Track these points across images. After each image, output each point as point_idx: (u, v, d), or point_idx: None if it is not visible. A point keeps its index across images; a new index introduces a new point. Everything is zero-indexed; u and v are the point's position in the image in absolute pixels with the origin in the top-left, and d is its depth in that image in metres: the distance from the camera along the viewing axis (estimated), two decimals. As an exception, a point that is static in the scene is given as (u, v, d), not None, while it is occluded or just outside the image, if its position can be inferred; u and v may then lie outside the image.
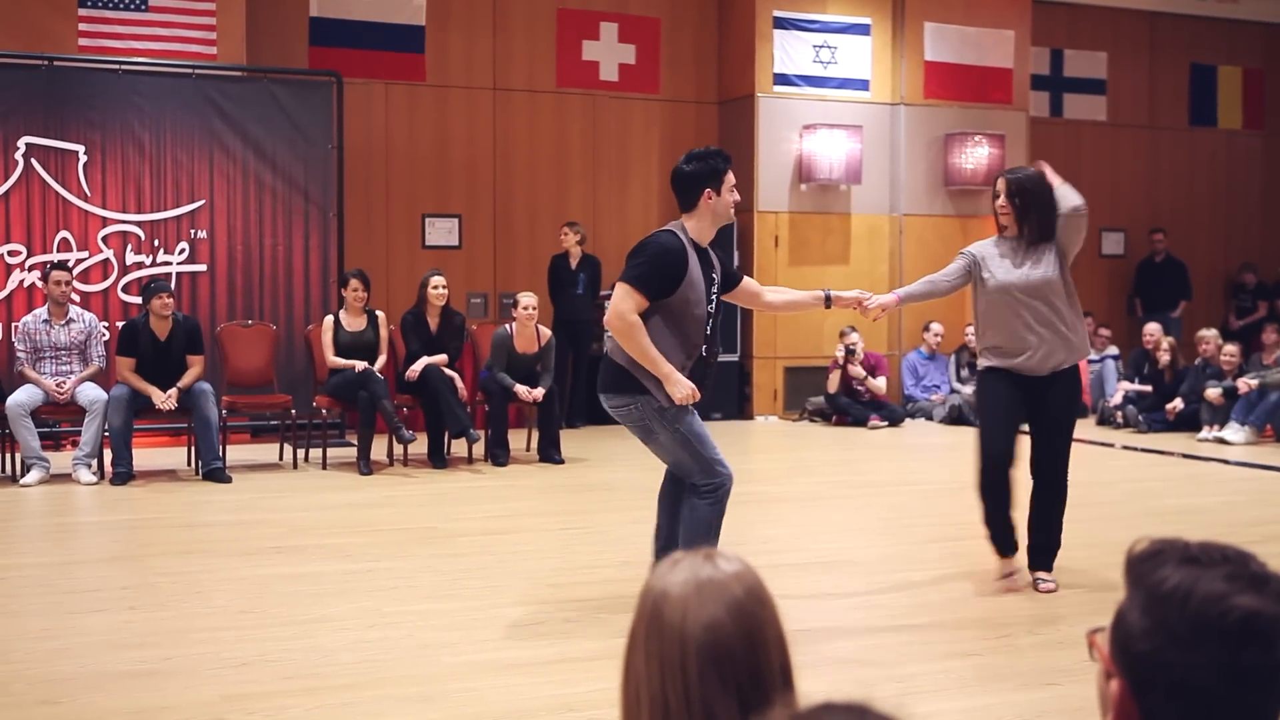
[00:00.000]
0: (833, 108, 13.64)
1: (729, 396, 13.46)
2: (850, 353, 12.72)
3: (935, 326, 13.60)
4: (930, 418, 13.23)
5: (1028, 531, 6.01)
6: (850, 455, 10.99)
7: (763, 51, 13.47)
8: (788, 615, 1.71)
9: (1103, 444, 11.37)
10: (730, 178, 5.41)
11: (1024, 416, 5.99)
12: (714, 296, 5.33)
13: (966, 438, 12.05)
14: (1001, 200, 6.10)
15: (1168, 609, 1.41)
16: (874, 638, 5.13)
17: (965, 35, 14.11)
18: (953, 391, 13.42)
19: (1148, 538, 1.52)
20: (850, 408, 12.77)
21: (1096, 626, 1.55)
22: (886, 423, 12.68)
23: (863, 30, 13.81)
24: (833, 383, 12.90)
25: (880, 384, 12.78)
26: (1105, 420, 12.76)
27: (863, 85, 13.85)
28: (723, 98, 14.03)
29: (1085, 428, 12.44)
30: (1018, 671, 4.65)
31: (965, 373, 13.60)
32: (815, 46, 13.64)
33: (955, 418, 12.93)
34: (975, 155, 13.92)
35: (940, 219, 14.12)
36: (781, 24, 13.52)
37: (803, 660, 1.71)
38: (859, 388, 12.82)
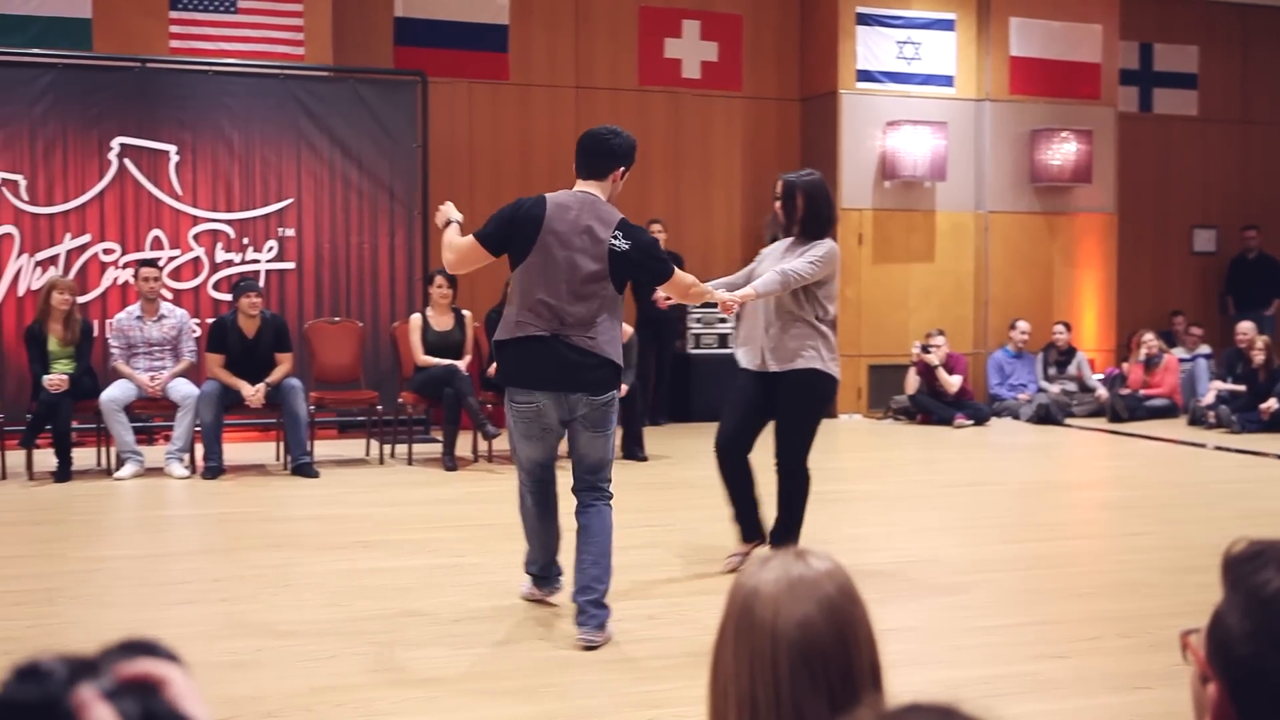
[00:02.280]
0: (917, 104, 13.53)
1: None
2: (925, 350, 12.61)
3: (1022, 324, 13.45)
4: (1017, 416, 13.08)
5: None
6: (935, 454, 10.90)
7: (845, 48, 13.39)
8: (873, 615, 1.71)
9: (1194, 444, 11.17)
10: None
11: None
12: None
13: (1054, 437, 11.97)
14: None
15: (1271, 613, 1.39)
16: (959, 638, 5.09)
17: (1052, 30, 13.94)
18: (1039, 390, 13.26)
19: (1246, 539, 1.49)
20: (935, 407, 12.66)
21: (1190, 628, 1.53)
22: (972, 422, 12.56)
23: (947, 26, 13.68)
24: (910, 383, 12.80)
25: (954, 381, 12.63)
26: (1197, 420, 12.54)
27: (947, 81, 13.72)
28: (805, 95, 13.97)
29: (1176, 428, 12.25)
30: (1108, 674, 4.59)
31: (1053, 371, 13.45)
32: (899, 43, 13.54)
33: (1042, 416, 12.77)
34: (1063, 151, 13.75)
35: (1026, 216, 13.96)
36: (864, 20, 13.44)
37: (888, 660, 1.71)
38: (941, 388, 12.70)
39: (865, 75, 13.45)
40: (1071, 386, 13.39)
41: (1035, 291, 13.98)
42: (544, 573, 5.47)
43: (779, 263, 6.10)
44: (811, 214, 6.13)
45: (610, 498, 5.24)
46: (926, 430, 12.38)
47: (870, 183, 13.47)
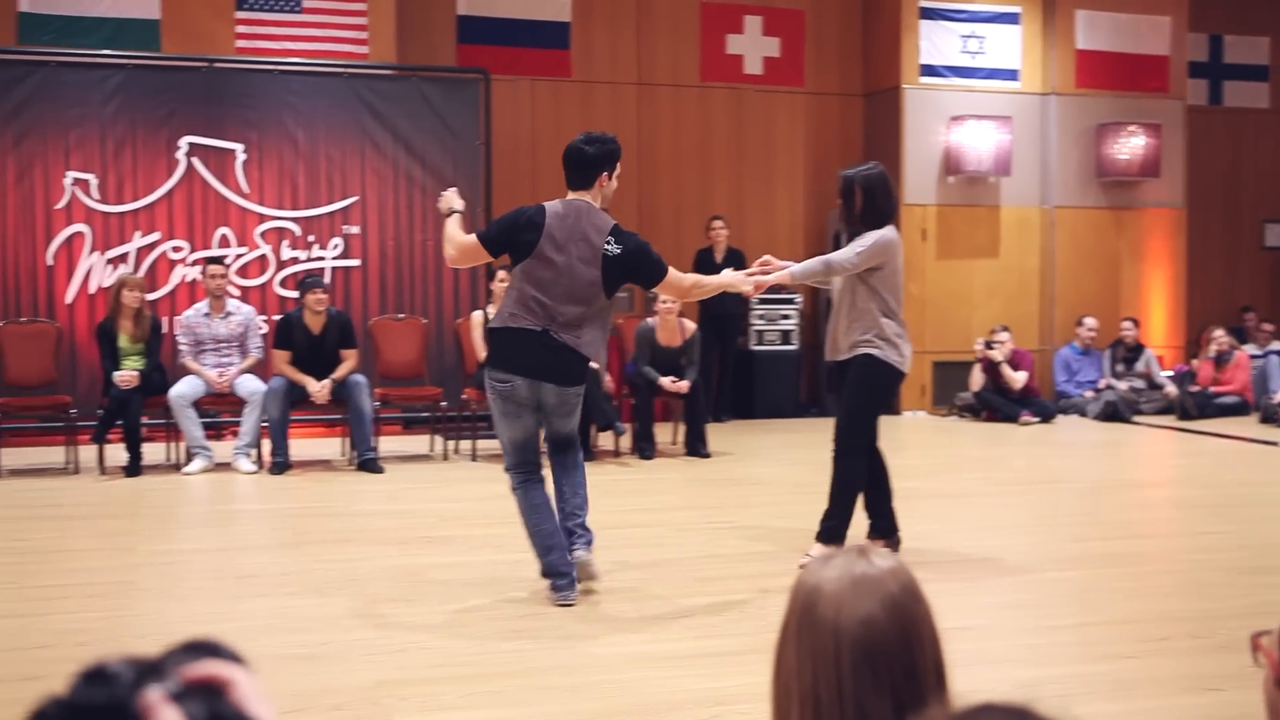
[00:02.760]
0: (981, 99, 13.43)
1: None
2: (989, 346, 12.50)
3: (1089, 321, 13.31)
4: (1083, 414, 12.94)
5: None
6: (1000, 452, 10.82)
7: (909, 42, 13.31)
8: (937, 613, 1.70)
9: (1266, 442, 11.00)
10: (619, 167, 5.81)
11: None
12: None
13: (1121, 435, 11.83)
14: None
15: None
16: (1025, 637, 5.05)
17: (1119, 22, 13.78)
18: (1107, 387, 13.11)
19: None
20: (1000, 404, 12.55)
21: (1261, 630, 1.51)
22: (1037, 419, 12.44)
23: (1012, 19, 13.56)
24: (975, 379, 12.70)
25: (1019, 377, 12.51)
26: (1268, 418, 12.34)
27: (1012, 75, 13.60)
28: (868, 90, 13.90)
29: (1247, 426, 12.07)
30: (1177, 675, 4.53)
31: (1120, 368, 13.29)
32: (963, 37, 13.44)
33: (1110, 414, 12.63)
34: (1130, 145, 13.59)
35: (1093, 211, 13.81)
36: (928, 14, 13.35)
37: (954, 658, 1.70)
38: (1006, 385, 12.59)
39: (929, 70, 13.36)
40: (1139, 383, 13.24)
41: (1102, 287, 13.84)
42: (557, 570, 5.44)
43: None
44: (869, 207, 6.14)
45: (579, 447, 5.76)
46: (991, 427, 12.28)
47: (934, 178, 13.38)
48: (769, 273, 6.06)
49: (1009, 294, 13.64)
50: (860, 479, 6.23)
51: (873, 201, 6.14)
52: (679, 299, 5.93)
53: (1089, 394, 13.08)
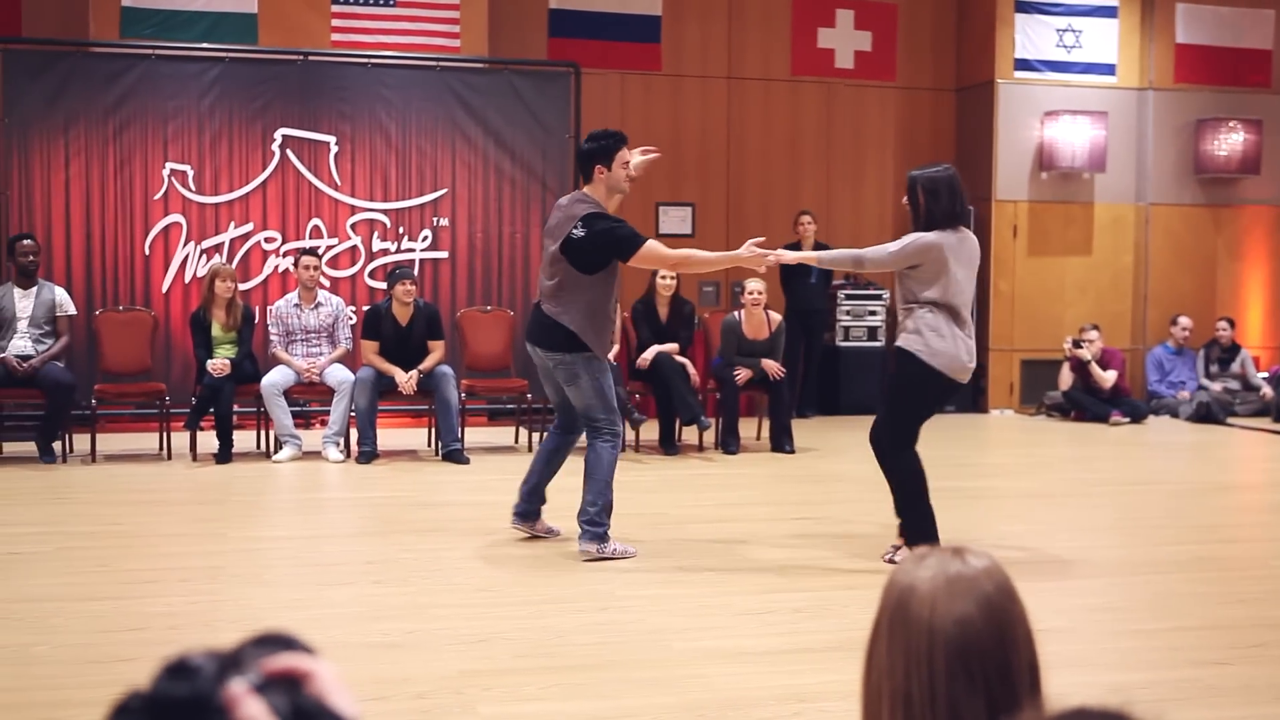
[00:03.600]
0: (1076, 93, 13.23)
1: (962, 389, 13.17)
2: (1077, 345, 12.29)
3: (1183, 320, 13.07)
4: (1176, 415, 12.71)
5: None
6: (1089, 452, 10.65)
7: (1003, 36, 13.14)
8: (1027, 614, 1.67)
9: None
10: (624, 154, 6.39)
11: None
12: None
13: (1215, 436, 11.60)
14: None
15: None
16: (1115, 641, 4.97)
17: (1220, 16, 13.50)
18: (1200, 388, 12.87)
19: None
20: (1089, 403, 12.35)
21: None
22: (1128, 419, 12.23)
23: (1109, 13, 13.34)
24: (1064, 378, 12.52)
25: (1109, 377, 12.30)
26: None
27: (1109, 70, 13.38)
28: (961, 84, 13.75)
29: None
30: (1273, 683, 4.43)
31: (1215, 368, 13.04)
32: (1059, 30, 13.25)
33: (1203, 415, 12.39)
34: (1229, 142, 13.32)
35: (1190, 209, 13.56)
36: (1023, 8, 13.17)
37: (1044, 661, 1.67)
38: (1096, 385, 12.39)
39: (1023, 64, 13.19)
40: (1234, 385, 12.97)
41: (1198, 286, 13.58)
42: (522, 508, 6.65)
43: None
44: (930, 209, 6.06)
45: (607, 436, 6.28)
46: (1080, 427, 12.10)
47: (1026, 174, 13.21)
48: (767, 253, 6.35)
49: (1101, 292, 13.44)
50: (915, 471, 6.13)
51: (935, 203, 6.06)
52: (684, 272, 6.32)
53: (1182, 395, 12.84)
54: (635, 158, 6.46)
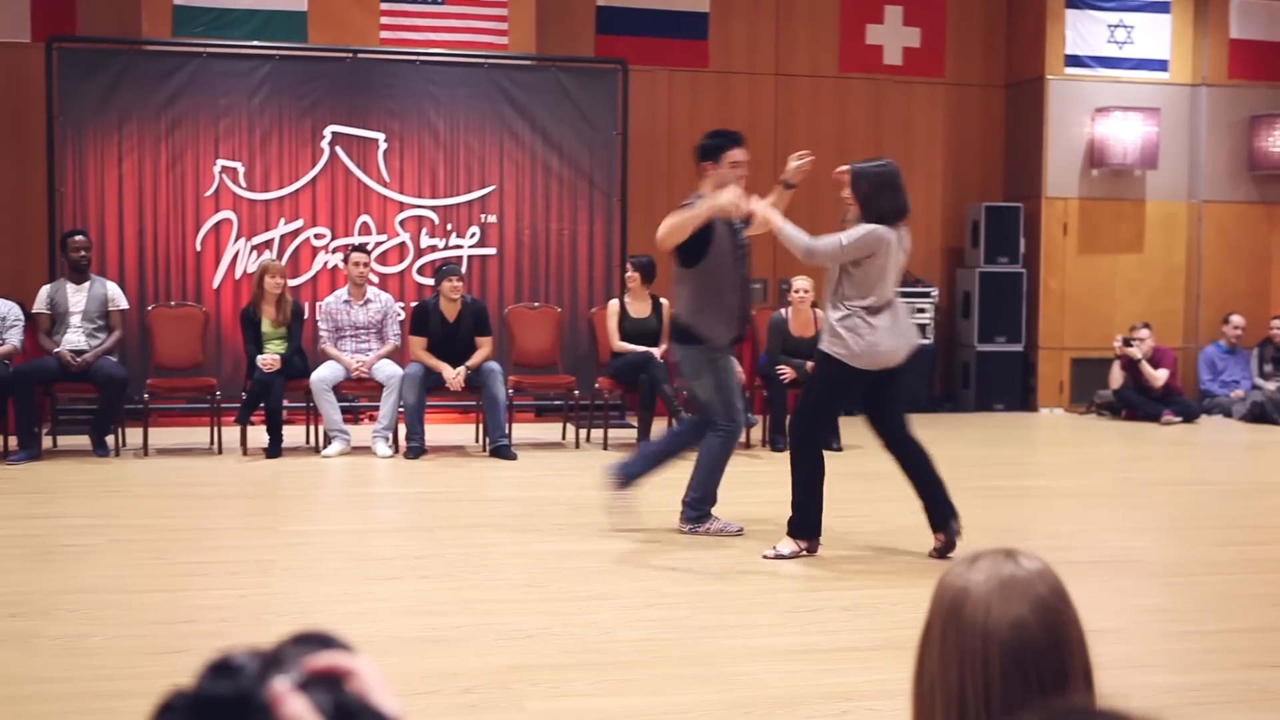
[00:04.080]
0: (1128, 89, 13.11)
1: (1012, 387, 13.13)
2: (1127, 344, 12.18)
3: (1236, 318, 12.93)
4: (1229, 414, 12.57)
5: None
6: (1140, 451, 10.56)
7: (1054, 32, 13.04)
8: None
9: None
10: (734, 154, 6.56)
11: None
12: (742, 244, 6.59)
13: (1269, 436, 11.47)
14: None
15: None
16: (1167, 642, 4.92)
17: (1275, 10, 13.34)
18: (1254, 387, 12.72)
19: None
20: (1140, 402, 12.24)
21: None
22: (1180, 419, 12.10)
23: (1162, 8, 13.21)
24: (1115, 377, 12.40)
25: (1160, 375, 12.18)
26: None
27: (1161, 66, 13.25)
28: (1010, 81, 13.65)
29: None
30: (1326, 686, 4.38)
31: (1269, 368, 12.88)
32: (1110, 26, 13.13)
33: (1257, 415, 12.25)
34: (1284, 138, 13.15)
35: (1244, 206, 13.41)
36: (1075, 3, 13.06)
37: (1096, 662, 1.66)
38: (1147, 384, 12.27)
39: (1074, 60, 13.08)
40: (1289, 384, 12.82)
41: (1251, 284, 13.43)
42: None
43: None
44: (877, 203, 6.12)
45: (721, 431, 6.57)
46: (1131, 426, 11.99)
47: (1077, 171, 13.10)
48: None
49: (1152, 290, 13.31)
50: (818, 465, 6.21)
51: (880, 197, 6.11)
52: (660, 247, 6.46)
53: (1235, 394, 12.70)
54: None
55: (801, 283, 10.05)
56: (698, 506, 6.63)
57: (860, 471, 9.17)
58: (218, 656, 0.90)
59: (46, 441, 9.54)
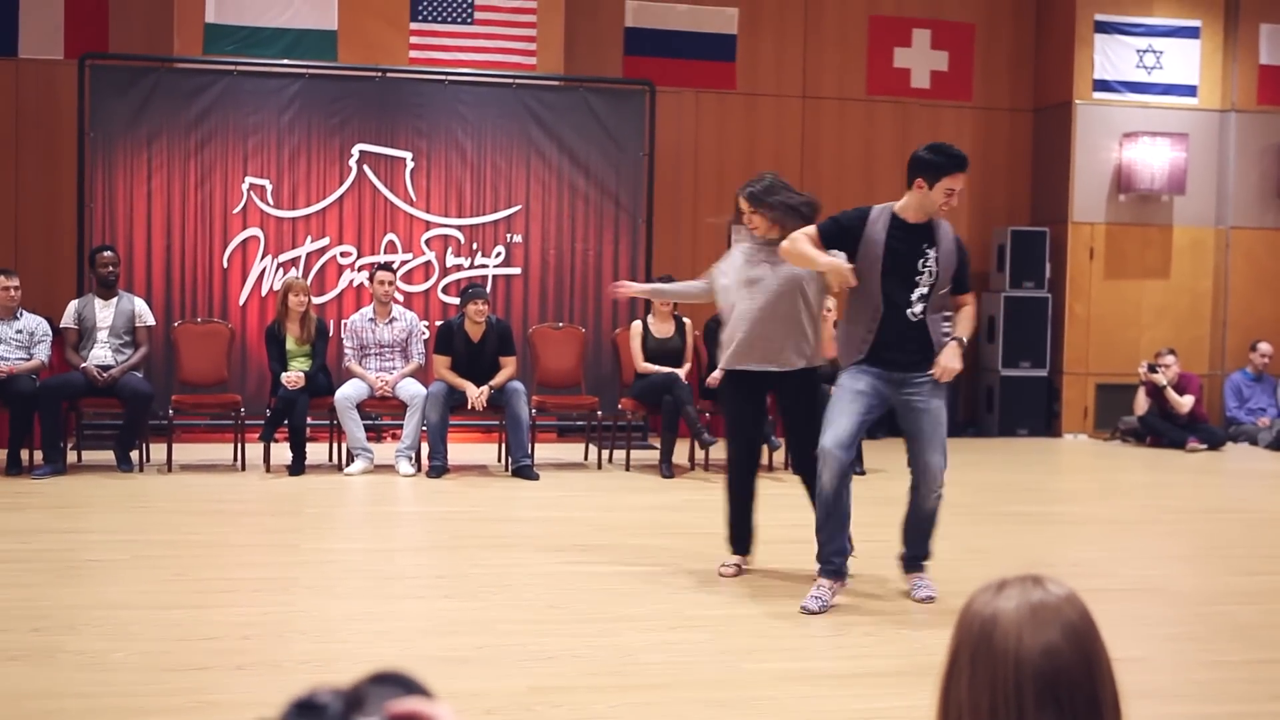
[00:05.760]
0: (1156, 115, 13.07)
1: (1036, 412, 13.06)
2: (1152, 370, 12.12)
3: (1263, 346, 12.85)
4: (1254, 442, 12.49)
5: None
6: (1165, 478, 10.49)
7: (1082, 56, 13.02)
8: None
9: None
10: (951, 182, 5.67)
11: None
12: (923, 270, 5.71)
13: (1296, 465, 11.38)
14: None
15: None
16: (1193, 672, 4.88)
17: (1305, 37, 13.29)
18: (1281, 415, 12.64)
19: None
20: (1165, 429, 12.17)
21: None
22: (1205, 446, 12.03)
23: (1191, 33, 13.17)
24: (1140, 403, 12.33)
25: (1185, 402, 12.11)
26: None
27: (1190, 91, 13.22)
28: (1038, 105, 13.63)
29: None
30: (1354, 719, 4.34)
31: (1296, 396, 12.79)
32: (1139, 51, 13.10)
33: (1283, 443, 12.16)
34: (1313, 165, 13.09)
35: (1272, 233, 13.35)
36: (1103, 28, 13.04)
37: (1123, 691, 1.65)
38: (1172, 410, 12.19)
39: (1102, 85, 13.05)
40: (1317, 412, 12.73)
41: (1278, 312, 13.35)
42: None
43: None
44: (784, 223, 6.12)
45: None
46: (1156, 453, 11.92)
47: (1104, 196, 13.06)
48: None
49: (1179, 316, 13.25)
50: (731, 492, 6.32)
51: (788, 215, 6.14)
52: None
53: (1262, 422, 12.61)
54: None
55: (826, 302, 10.02)
56: (837, 557, 5.77)
57: (882, 495, 9.12)
58: (303, 694, 0.90)
59: (71, 456, 9.57)
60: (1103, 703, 1.57)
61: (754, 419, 6.41)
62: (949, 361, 5.76)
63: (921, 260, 5.68)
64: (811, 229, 5.74)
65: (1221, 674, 4.85)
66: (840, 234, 5.69)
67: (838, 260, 5.59)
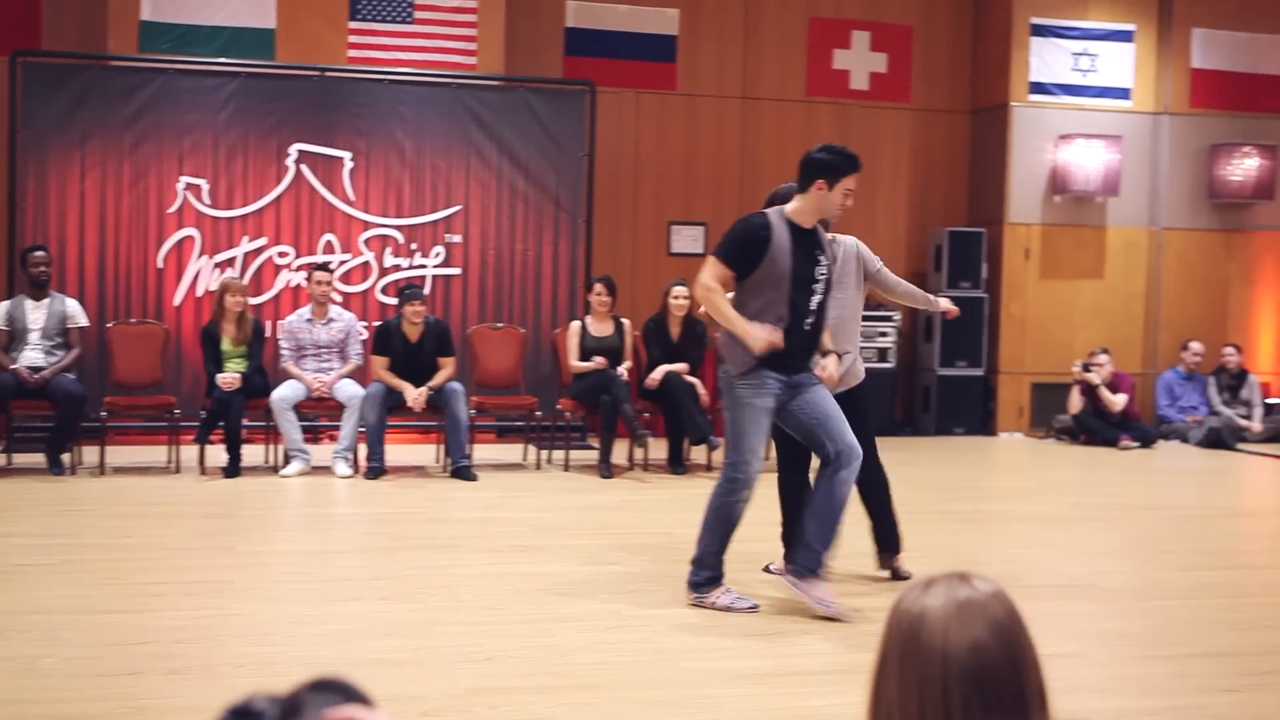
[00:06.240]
0: (1091, 117, 13.23)
1: (972, 411, 13.18)
2: (1086, 369, 12.28)
3: (1194, 345, 13.04)
4: (1185, 440, 12.67)
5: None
6: (1098, 476, 10.62)
7: (1019, 59, 13.15)
8: (1034, 639, 1.66)
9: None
10: (850, 182, 5.68)
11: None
12: (819, 278, 5.61)
13: (1224, 462, 11.57)
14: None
15: None
16: (1123, 667, 4.95)
17: (1237, 41, 13.50)
18: (1212, 413, 12.83)
19: None
20: (1099, 427, 12.33)
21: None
22: (1137, 444, 12.20)
23: (1125, 37, 13.34)
24: (1074, 402, 12.48)
25: (1118, 400, 12.27)
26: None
27: (1123, 94, 13.38)
28: (975, 107, 13.76)
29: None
30: (1280, 712, 4.41)
31: (1226, 395, 12.99)
32: (1074, 54, 13.25)
33: (1213, 441, 12.34)
34: (1244, 167, 13.30)
35: (1203, 234, 13.54)
36: (1039, 31, 13.18)
37: (1052, 686, 1.66)
38: (1105, 409, 12.35)
39: (1038, 87, 13.19)
40: (1244, 411, 12.93)
41: (1210, 311, 13.56)
42: (793, 555, 5.76)
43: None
44: None
45: (728, 479, 5.62)
46: (1090, 451, 12.07)
47: (1039, 197, 13.20)
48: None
49: (1112, 316, 13.42)
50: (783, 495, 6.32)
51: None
52: (698, 295, 5.65)
53: (1191, 419, 12.80)
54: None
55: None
56: (701, 567, 5.66)
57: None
58: (239, 701, 0.89)
59: (1, 459, 9.43)
60: (1029, 698, 1.58)
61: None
62: (836, 373, 5.87)
63: (817, 267, 5.60)
64: (722, 268, 5.50)
65: (1153, 668, 4.91)
66: (749, 256, 5.49)
67: (761, 332, 5.39)
